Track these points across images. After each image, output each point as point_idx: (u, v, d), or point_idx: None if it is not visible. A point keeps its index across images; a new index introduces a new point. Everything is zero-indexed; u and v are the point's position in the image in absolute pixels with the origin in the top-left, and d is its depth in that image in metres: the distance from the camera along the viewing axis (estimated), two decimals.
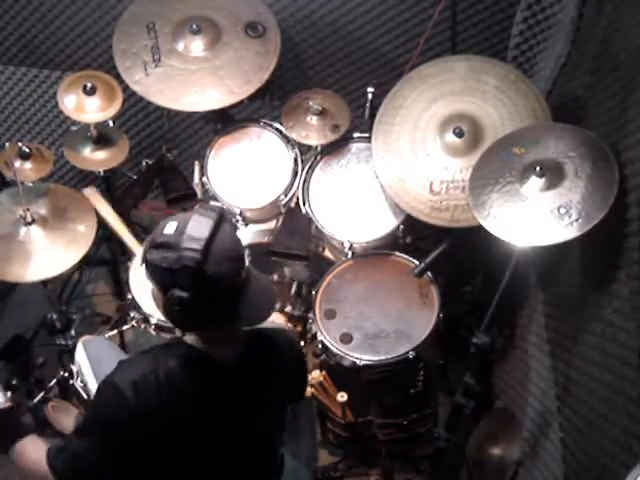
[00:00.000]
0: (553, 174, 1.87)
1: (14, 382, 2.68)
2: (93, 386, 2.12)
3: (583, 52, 2.26)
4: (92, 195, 2.58)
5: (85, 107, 2.56)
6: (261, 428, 1.74)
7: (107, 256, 3.00)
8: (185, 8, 2.61)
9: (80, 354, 2.21)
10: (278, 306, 2.75)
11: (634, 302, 1.65)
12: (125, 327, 2.54)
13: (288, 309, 2.75)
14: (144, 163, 2.87)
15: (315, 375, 2.38)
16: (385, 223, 2.52)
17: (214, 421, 1.62)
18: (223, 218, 1.51)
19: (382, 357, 2.32)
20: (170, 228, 1.49)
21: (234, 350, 1.62)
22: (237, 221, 2.64)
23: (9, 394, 1.78)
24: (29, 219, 2.37)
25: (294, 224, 2.59)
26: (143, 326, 2.49)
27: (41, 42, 3.03)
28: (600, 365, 1.80)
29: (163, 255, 1.47)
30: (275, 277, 2.72)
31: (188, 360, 1.56)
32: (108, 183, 2.85)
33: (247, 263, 1.55)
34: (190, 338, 1.60)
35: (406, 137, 2.38)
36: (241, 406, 1.65)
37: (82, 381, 2.22)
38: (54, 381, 2.68)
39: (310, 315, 2.48)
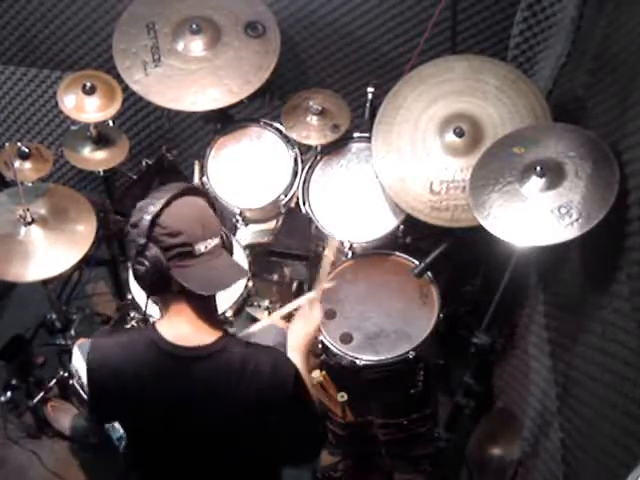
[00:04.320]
0: (553, 174, 1.87)
1: (14, 382, 2.68)
2: None
3: (583, 52, 2.26)
4: None
5: (85, 107, 2.56)
6: (232, 424, 1.65)
7: (107, 256, 3.01)
8: (185, 8, 2.61)
9: (77, 358, 2.21)
10: (278, 306, 2.75)
11: (634, 302, 1.66)
12: (125, 327, 2.54)
13: None
14: (144, 163, 2.87)
15: (315, 375, 2.38)
16: (385, 223, 2.52)
17: (166, 400, 1.63)
18: (193, 192, 1.63)
19: (382, 357, 2.32)
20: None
21: (198, 341, 1.61)
22: (237, 221, 2.64)
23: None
24: (29, 219, 2.37)
25: (294, 224, 2.59)
26: (143, 326, 2.49)
27: (41, 42, 3.03)
28: (600, 365, 1.80)
29: (139, 206, 1.62)
30: (275, 277, 2.72)
31: (142, 339, 1.64)
32: (108, 183, 2.85)
33: (218, 240, 1.61)
34: (159, 324, 1.64)
35: (406, 137, 2.38)
36: (190, 395, 1.62)
37: (81, 384, 2.22)
38: (54, 381, 2.69)
39: None
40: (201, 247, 1.57)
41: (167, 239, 1.56)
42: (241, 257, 2.50)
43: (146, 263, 1.56)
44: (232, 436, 1.67)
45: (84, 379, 2.14)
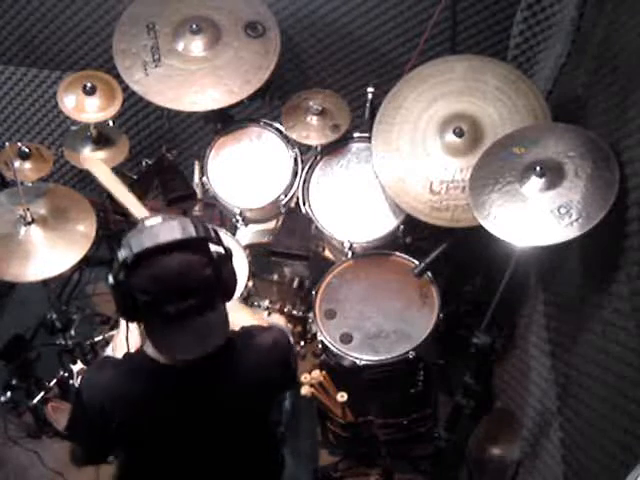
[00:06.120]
0: (553, 174, 1.87)
1: (14, 382, 2.68)
2: None
3: (583, 52, 2.26)
4: (93, 164, 2.36)
5: (85, 107, 2.56)
6: (235, 424, 1.71)
7: (107, 256, 3.01)
8: (185, 8, 2.61)
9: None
10: (278, 306, 2.76)
11: (634, 302, 1.65)
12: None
13: (288, 309, 2.76)
14: (144, 163, 2.87)
15: (315, 375, 2.38)
16: (385, 223, 2.52)
17: (167, 419, 1.63)
18: (188, 245, 1.49)
19: (382, 357, 2.33)
20: (153, 220, 1.52)
21: None
22: (237, 221, 2.64)
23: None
24: (29, 219, 2.37)
25: (294, 224, 2.59)
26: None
27: (41, 42, 3.03)
28: (600, 365, 1.80)
29: (132, 234, 1.50)
30: (275, 277, 2.72)
31: (135, 366, 1.63)
32: None
33: (196, 300, 1.49)
34: (147, 345, 1.63)
35: (406, 137, 2.38)
36: (199, 405, 1.63)
37: None
38: (54, 381, 2.68)
39: (310, 315, 2.48)
40: (170, 309, 1.48)
41: (134, 292, 1.49)
42: (241, 257, 2.50)
43: (115, 299, 1.53)
44: (246, 423, 1.73)
45: None
